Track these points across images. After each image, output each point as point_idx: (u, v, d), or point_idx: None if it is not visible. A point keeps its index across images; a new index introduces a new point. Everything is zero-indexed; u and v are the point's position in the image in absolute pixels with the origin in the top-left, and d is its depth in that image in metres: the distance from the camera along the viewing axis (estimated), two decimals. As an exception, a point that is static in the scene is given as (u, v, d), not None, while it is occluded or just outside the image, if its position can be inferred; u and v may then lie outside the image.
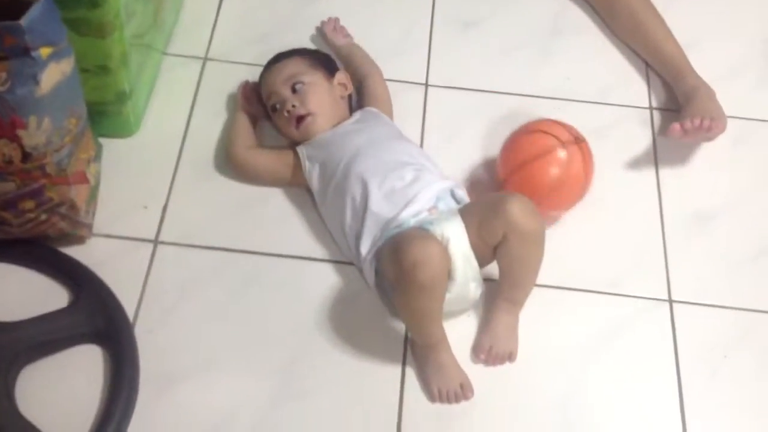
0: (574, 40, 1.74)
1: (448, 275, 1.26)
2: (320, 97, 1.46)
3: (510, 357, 1.32)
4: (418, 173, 1.37)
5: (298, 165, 1.44)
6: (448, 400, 1.28)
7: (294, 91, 1.45)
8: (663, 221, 1.51)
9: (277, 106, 1.46)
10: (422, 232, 1.27)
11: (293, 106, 1.44)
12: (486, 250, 1.31)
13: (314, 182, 1.42)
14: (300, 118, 1.44)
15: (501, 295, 1.34)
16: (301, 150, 1.44)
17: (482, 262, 1.31)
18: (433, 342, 1.28)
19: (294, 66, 1.48)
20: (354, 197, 1.35)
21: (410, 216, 1.32)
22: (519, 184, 1.40)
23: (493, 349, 1.32)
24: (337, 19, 1.67)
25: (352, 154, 1.39)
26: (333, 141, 1.43)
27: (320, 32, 1.67)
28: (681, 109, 1.59)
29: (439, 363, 1.28)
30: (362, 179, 1.35)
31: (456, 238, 1.28)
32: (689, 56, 1.66)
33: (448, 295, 1.27)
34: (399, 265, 1.22)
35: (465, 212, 1.32)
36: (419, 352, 1.30)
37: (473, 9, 1.76)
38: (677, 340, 1.37)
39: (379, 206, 1.33)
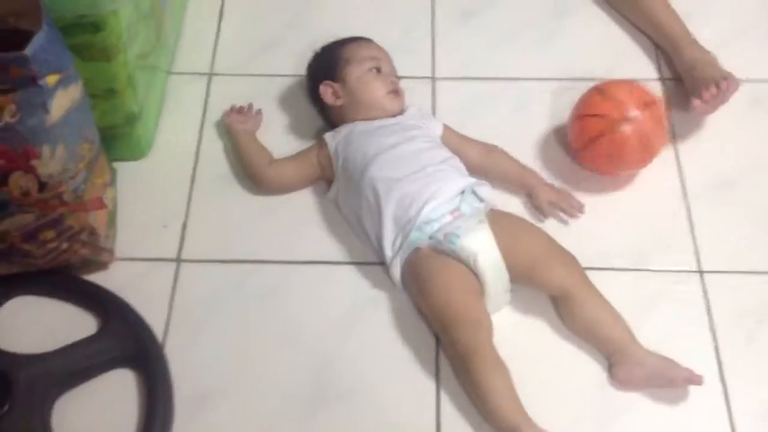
0: (577, 19, 1.73)
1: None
2: None
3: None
4: (437, 171, 1.36)
5: (321, 161, 1.44)
6: None
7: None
8: (685, 192, 1.49)
9: (378, 69, 1.47)
10: (451, 286, 1.26)
11: (397, 77, 1.49)
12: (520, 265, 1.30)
13: (338, 174, 1.41)
14: (399, 92, 1.47)
15: (619, 353, 1.27)
16: (331, 141, 1.43)
17: (515, 274, 1.30)
18: (512, 428, 1.17)
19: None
20: (369, 198, 1.35)
21: (430, 215, 1.31)
22: (590, 157, 1.47)
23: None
24: None
25: (374, 153, 1.38)
26: (361, 136, 1.42)
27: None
28: (685, 83, 1.58)
29: None
30: (379, 179, 1.34)
31: (484, 252, 1.27)
32: (695, 17, 1.64)
33: None
34: (451, 347, 1.24)
35: (497, 224, 1.30)
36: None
37: (472, -2, 1.76)
38: (711, 310, 1.36)
39: (396, 208, 1.32)
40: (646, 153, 1.44)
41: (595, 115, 1.43)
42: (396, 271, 1.32)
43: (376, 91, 1.46)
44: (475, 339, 1.22)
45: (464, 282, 1.27)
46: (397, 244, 1.32)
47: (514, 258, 1.29)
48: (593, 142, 1.43)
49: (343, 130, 1.44)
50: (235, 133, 1.50)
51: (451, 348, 1.25)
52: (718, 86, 1.46)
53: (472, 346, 1.22)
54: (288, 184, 1.46)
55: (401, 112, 1.48)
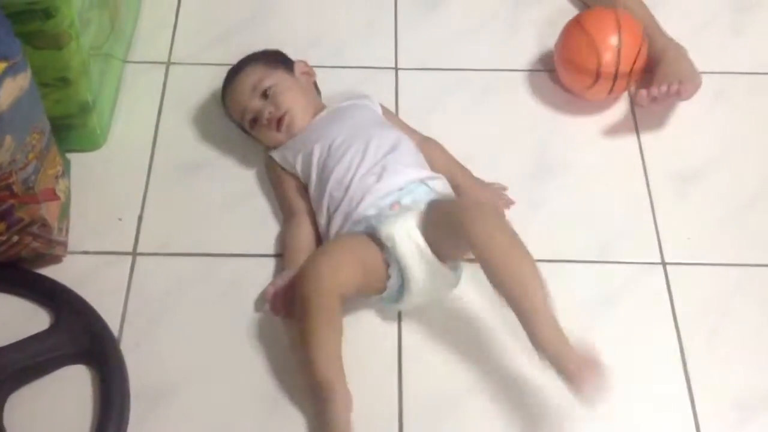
0: (540, 9, 1.71)
1: (403, 280, 1.23)
2: (291, 93, 1.42)
3: None
4: (386, 164, 1.32)
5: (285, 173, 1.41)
6: None
7: (265, 97, 1.41)
8: (648, 184, 1.49)
9: (255, 118, 1.42)
10: (339, 242, 1.25)
11: (270, 112, 1.40)
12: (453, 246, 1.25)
13: (302, 179, 1.39)
14: (279, 120, 1.40)
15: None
16: (276, 155, 1.41)
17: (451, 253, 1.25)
18: (324, 383, 1.16)
19: (252, 75, 1.43)
20: (331, 190, 1.32)
21: (367, 209, 1.28)
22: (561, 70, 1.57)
23: None
24: None
25: (328, 146, 1.35)
26: (309, 138, 1.39)
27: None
28: (651, 72, 1.57)
29: (328, 422, 1.16)
30: (336, 173, 1.32)
31: (403, 238, 1.22)
32: (658, 11, 1.63)
33: (410, 297, 1.25)
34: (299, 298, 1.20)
35: (432, 208, 1.25)
36: (315, 398, 1.19)
37: (436, -14, 1.74)
38: (674, 302, 1.35)
39: (348, 200, 1.30)
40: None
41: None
42: None
43: (268, 137, 1.43)
44: (318, 287, 1.18)
45: (354, 246, 1.24)
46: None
47: (438, 233, 1.23)
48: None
49: (291, 140, 1.41)
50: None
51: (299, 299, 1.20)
52: (669, 87, 1.45)
53: (313, 293, 1.18)
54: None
55: (299, 127, 1.41)
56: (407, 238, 1.23)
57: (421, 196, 1.29)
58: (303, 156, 1.37)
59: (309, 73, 1.49)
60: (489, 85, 1.59)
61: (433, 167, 1.38)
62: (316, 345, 1.17)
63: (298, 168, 1.38)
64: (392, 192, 1.29)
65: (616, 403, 1.24)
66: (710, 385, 1.27)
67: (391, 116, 1.48)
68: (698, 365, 1.29)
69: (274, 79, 1.42)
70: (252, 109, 1.41)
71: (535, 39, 1.67)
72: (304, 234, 1.35)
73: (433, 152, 1.43)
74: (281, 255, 1.36)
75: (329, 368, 1.17)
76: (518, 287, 1.14)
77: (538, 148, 1.51)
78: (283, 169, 1.40)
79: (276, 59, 1.47)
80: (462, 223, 1.18)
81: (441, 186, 1.33)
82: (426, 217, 1.24)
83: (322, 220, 1.33)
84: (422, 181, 1.31)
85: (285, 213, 1.40)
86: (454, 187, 1.38)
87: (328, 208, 1.32)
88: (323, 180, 1.33)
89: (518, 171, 1.48)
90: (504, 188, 1.44)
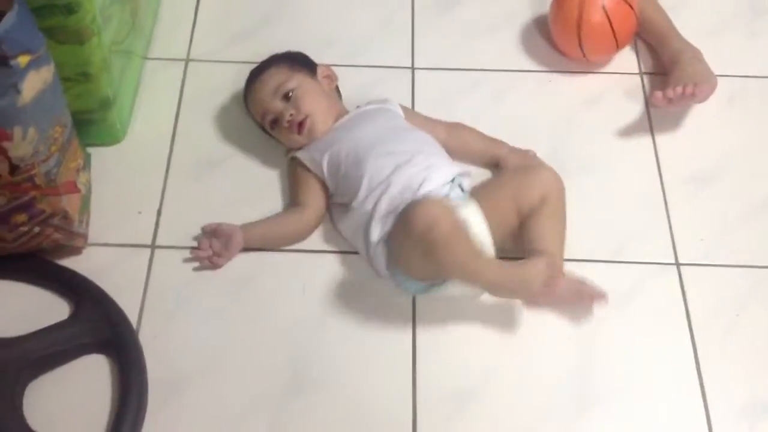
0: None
1: None
2: (312, 97, 1.43)
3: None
4: (428, 159, 1.35)
5: (307, 173, 1.41)
6: (552, 290, 1.24)
7: (287, 99, 1.42)
8: (663, 185, 1.49)
9: (275, 119, 1.43)
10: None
11: (291, 114, 1.41)
12: (503, 229, 1.31)
13: (326, 180, 1.39)
14: (301, 124, 1.41)
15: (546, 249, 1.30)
16: (302, 155, 1.41)
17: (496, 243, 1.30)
18: (490, 271, 1.23)
19: (276, 76, 1.44)
20: (366, 189, 1.33)
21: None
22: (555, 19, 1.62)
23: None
24: None
25: (355, 145, 1.37)
26: (336, 138, 1.40)
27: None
28: (667, 74, 1.58)
29: (514, 277, 1.23)
30: (373, 170, 1.33)
31: (474, 223, 1.27)
32: (676, 14, 1.64)
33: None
34: (412, 233, 1.22)
35: (481, 194, 1.33)
36: (495, 291, 1.26)
37: (454, -13, 1.75)
38: (688, 302, 1.36)
39: (392, 194, 1.31)
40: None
41: None
42: (381, 255, 1.31)
43: (288, 139, 1.43)
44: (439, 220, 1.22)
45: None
46: (387, 226, 1.31)
47: (499, 212, 1.31)
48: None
49: (317, 142, 1.42)
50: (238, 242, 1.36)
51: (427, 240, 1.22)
52: (684, 88, 1.46)
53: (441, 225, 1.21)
54: (324, 208, 1.41)
55: (326, 129, 1.42)
56: (477, 223, 1.27)
57: (459, 193, 1.34)
58: (330, 154, 1.38)
59: (331, 77, 1.50)
60: (504, 86, 1.60)
61: (471, 149, 1.47)
62: (468, 260, 1.23)
63: (325, 166, 1.38)
64: (443, 183, 1.33)
65: (630, 403, 1.26)
66: (723, 385, 1.28)
67: (413, 115, 1.49)
68: (711, 365, 1.30)
69: (297, 81, 1.43)
70: (273, 110, 1.42)
71: (550, 40, 1.67)
72: (298, 225, 1.38)
73: (467, 134, 1.48)
74: (296, 248, 1.38)
75: (488, 261, 1.25)
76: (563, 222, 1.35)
77: (553, 148, 1.52)
78: (306, 170, 1.41)
79: (300, 62, 1.48)
80: (535, 171, 1.36)
81: (468, 183, 1.38)
82: (483, 200, 1.31)
83: (365, 206, 1.32)
84: (459, 179, 1.36)
85: (293, 202, 1.41)
86: (500, 159, 1.47)
87: (368, 196, 1.32)
88: (358, 171, 1.34)
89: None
90: (535, 154, 1.49)
